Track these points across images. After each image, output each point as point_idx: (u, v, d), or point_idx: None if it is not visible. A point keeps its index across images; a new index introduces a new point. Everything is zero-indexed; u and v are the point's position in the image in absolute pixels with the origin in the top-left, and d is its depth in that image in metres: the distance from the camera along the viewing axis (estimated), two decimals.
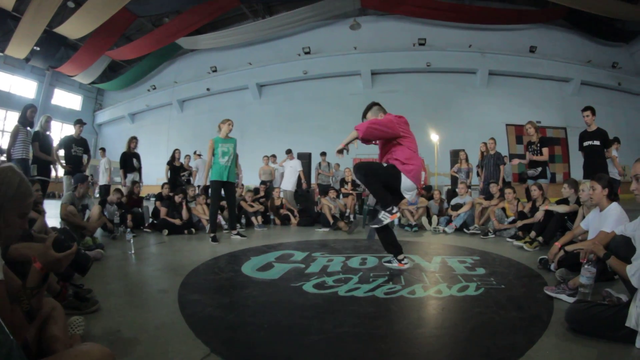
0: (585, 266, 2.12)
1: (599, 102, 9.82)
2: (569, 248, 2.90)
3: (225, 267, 3.35)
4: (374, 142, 3.19)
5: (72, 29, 13.49)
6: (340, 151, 3.03)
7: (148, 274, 3.18)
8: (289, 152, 8.62)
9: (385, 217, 2.92)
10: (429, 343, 1.81)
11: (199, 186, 7.81)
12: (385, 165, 3.04)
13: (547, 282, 2.77)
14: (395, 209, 2.95)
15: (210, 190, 5.15)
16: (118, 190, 5.63)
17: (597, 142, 4.79)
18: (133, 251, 3.90)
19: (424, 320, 2.18)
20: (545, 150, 5.48)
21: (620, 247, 1.99)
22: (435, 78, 14.69)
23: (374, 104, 3.26)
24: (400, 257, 3.12)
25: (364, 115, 3.25)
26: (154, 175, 13.31)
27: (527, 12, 14.15)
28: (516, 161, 5.91)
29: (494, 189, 5.78)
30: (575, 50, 14.90)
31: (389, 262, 3.21)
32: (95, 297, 2.18)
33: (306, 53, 15.07)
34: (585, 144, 4.90)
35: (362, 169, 2.99)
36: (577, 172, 13.08)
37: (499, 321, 2.05)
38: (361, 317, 2.12)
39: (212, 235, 4.84)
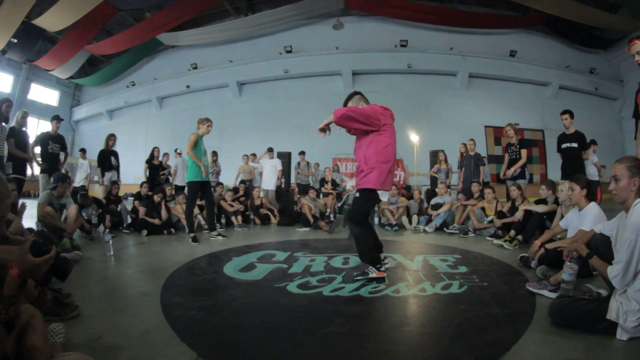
0: (568, 263, 2.18)
1: (576, 105, 10.22)
2: (549, 246, 2.97)
3: (207, 268, 3.28)
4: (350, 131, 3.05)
5: (52, 21, 13.00)
6: (322, 130, 2.93)
7: (128, 276, 3.09)
8: (270, 150, 8.50)
9: (371, 271, 2.82)
10: (416, 340, 1.83)
11: (177, 186, 7.65)
12: (359, 196, 2.92)
13: (528, 279, 2.84)
14: (383, 268, 2.89)
15: (187, 191, 5.00)
16: (84, 196, 5.44)
17: (574, 145, 4.92)
18: (112, 253, 3.76)
19: (410, 318, 2.19)
20: (524, 151, 5.60)
21: (600, 245, 2.09)
22: (416, 79, 14.93)
23: (356, 92, 3.16)
24: (378, 265, 2.87)
25: (345, 104, 3.14)
26: (131, 174, 12.99)
27: (508, 17, 14.56)
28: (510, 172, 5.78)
29: (475, 188, 5.88)
30: (555, 56, 15.46)
31: (363, 273, 2.88)
32: (74, 301, 2.11)
33: (288, 52, 15.01)
34: (564, 146, 5.02)
35: (357, 220, 2.90)
36: (553, 173, 13.65)
37: (484, 317, 2.09)
38: (347, 316, 2.12)
39: (192, 235, 4.73)
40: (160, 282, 2.73)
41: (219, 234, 5.11)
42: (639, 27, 13.58)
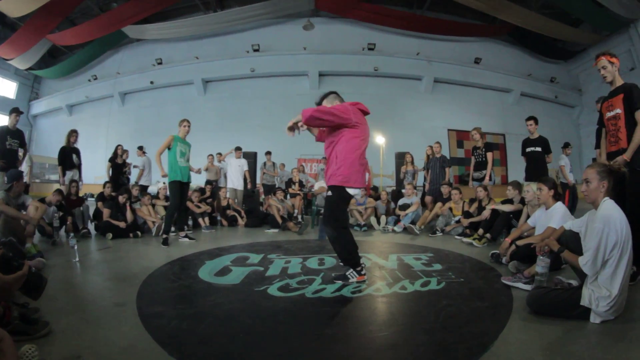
0: (541, 257, 2.37)
1: (536, 112, 10.83)
2: (520, 242, 3.13)
3: (181, 273, 3.14)
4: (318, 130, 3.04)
5: (13, 6, 11.98)
6: (291, 129, 2.89)
7: (99, 285, 2.85)
8: (238, 149, 8.31)
9: (352, 276, 2.78)
10: (410, 336, 1.87)
11: (142, 186, 7.29)
12: (331, 195, 2.86)
13: (501, 274, 3.02)
14: (364, 271, 2.85)
15: (169, 191, 4.84)
16: (59, 192, 5.05)
17: (538, 149, 5.19)
18: (78, 259, 3.52)
19: (398, 315, 2.23)
20: (489, 154, 5.89)
21: (570, 240, 2.30)
22: (382, 82, 15.20)
23: (332, 92, 3.12)
24: (358, 268, 2.83)
25: (319, 102, 3.12)
26: (91, 173, 12.20)
27: (475, 26, 15.21)
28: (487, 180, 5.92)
29: (445, 190, 6.07)
30: (517, 64, 16.35)
31: (343, 278, 2.81)
32: (43, 317, 1.91)
33: (255, 50, 14.78)
34: (528, 149, 5.28)
35: (331, 224, 2.82)
36: (514, 175, 14.45)
37: (467, 311, 2.21)
38: (336, 318, 2.12)
39: (164, 237, 4.53)
40: (133, 290, 2.56)
41: (187, 236, 4.96)
42: (599, 41, 14.88)
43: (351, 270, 2.82)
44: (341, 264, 3.18)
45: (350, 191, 2.84)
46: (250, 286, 2.71)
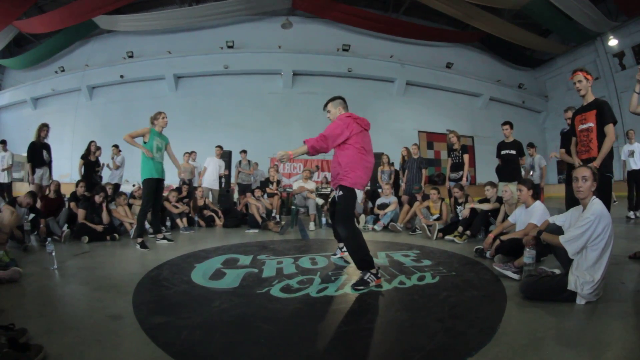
0: (527, 249, 2.64)
1: (504, 116, 11.30)
2: (504, 237, 3.39)
3: (173, 278, 2.98)
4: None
5: None
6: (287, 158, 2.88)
7: (86, 296, 2.59)
8: (219, 147, 8.16)
9: (371, 280, 2.71)
10: (423, 324, 2.01)
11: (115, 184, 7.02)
12: (342, 195, 2.93)
13: (487, 267, 3.24)
14: (379, 274, 2.83)
15: (143, 190, 4.57)
16: (32, 194, 4.69)
17: (513, 152, 5.50)
18: (56, 266, 3.25)
19: (407, 308, 2.32)
20: (466, 156, 6.16)
21: (553, 232, 2.57)
22: (355, 83, 15.39)
23: (338, 97, 3.26)
24: (374, 270, 2.79)
25: (325, 106, 3.25)
26: (56, 171, 11.51)
27: (447, 31, 15.76)
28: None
29: (434, 196, 6.05)
30: (487, 70, 17.18)
31: (363, 283, 2.71)
32: (33, 339, 1.68)
33: (229, 47, 14.52)
34: (503, 152, 5.57)
35: (346, 223, 2.88)
36: (482, 175, 15.12)
37: (467, 300, 2.41)
38: (349, 314, 2.19)
39: (140, 241, 4.28)
40: (127, 299, 2.38)
41: (165, 237, 4.79)
42: (566, 51, 15.92)
43: (369, 274, 2.74)
44: (339, 258, 3.28)
45: (358, 193, 2.98)
46: (250, 289, 2.67)
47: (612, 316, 2.05)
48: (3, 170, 6.73)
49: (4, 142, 6.68)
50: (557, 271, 2.67)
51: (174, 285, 2.80)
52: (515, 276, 2.81)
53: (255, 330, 1.93)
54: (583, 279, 2.19)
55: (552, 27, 14.61)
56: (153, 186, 4.52)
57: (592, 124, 3.25)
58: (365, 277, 2.72)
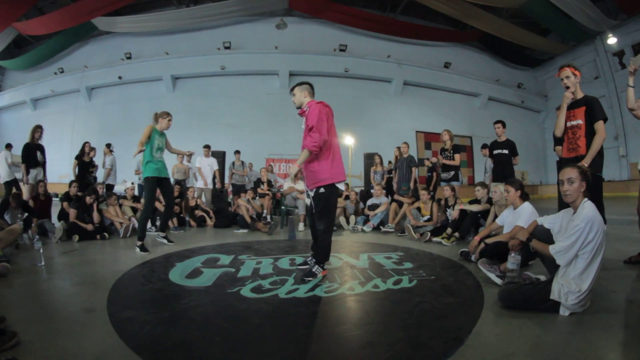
0: (512, 254, 2.48)
1: (503, 116, 11.20)
2: (489, 241, 3.26)
3: (151, 276, 3.06)
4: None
5: None
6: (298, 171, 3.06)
7: (66, 291, 2.74)
8: (207, 147, 8.12)
9: (318, 271, 2.99)
10: (385, 333, 1.91)
11: (108, 185, 7.03)
12: (325, 192, 3.05)
13: (470, 272, 3.12)
14: (325, 267, 3.10)
15: (145, 189, 4.40)
16: (17, 195, 4.79)
17: (505, 151, 5.37)
18: (43, 263, 3.37)
19: (373, 313, 2.26)
20: (457, 156, 6.07)
21: (541, 235, 2.40)
22: (352, 84, 15.43)
23: (306, 83, 3.28)
24: (322, 264, 3.06)
25: (291, 90, 3.28)
26: (55, 171, 11.66)
27: (445, 31, 15.74)
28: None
29: (424, 197, 5.98)
30: (486, 70, 17.13)
31: (311, 274, 2.98)
32: (10, 327, 1.80)
33: (226, 48, 14.66)
34: (495, 152, 5.46)
35: (328, 222, 3.08)
36: (480, 176, 14.94)
37: (440, 307, 2.27)
38: (311, 317, 2.13)
39: (139, 244, 4.10)
40: (103, 294, 2.48)
41: (166, 237, 4.71)
42: (566, 51, 15.81)
43: (317, 266, 3.00)
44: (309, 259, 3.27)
45: (340, 186, 3.11)
46: (222, 288, 2.68)
47: (599, 330, 1.86)
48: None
49: (9, 146, 6.75)
50: (543, 277, 2.52)
51: (151, 282, 2.86)
52: (498, 281, 2.68)
53: (214, 328, 1.96)
54: (568, 288, 2.01)
55: (551, 26, 14.57)
56: (154, 186, 4.32)
57: (580, 121, 3.11)
58: (314, 269, 2.98)
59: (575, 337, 1.82)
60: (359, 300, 2.46)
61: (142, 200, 6.34)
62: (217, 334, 1.87)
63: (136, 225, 5.39)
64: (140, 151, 4.05)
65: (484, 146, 6.96)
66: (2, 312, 1.97)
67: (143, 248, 4.08)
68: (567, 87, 3.18)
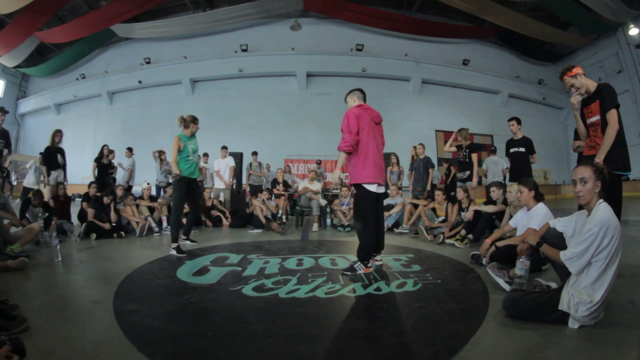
0: (521, 259, 2.31)
1: (524, 113, 10.94)
2: (500, 244, 3.09)
3: (160, 272, 3.16)
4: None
5: (1, 3, 11.83)
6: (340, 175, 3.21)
7: (78, 284, 2.89)
8: (224, 148, 8.20)
9: (359, 268, 3.05)
10: (376, 338, 1.84)
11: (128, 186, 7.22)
12: (357, 192, 3.23)
13: (480, 276, 2.97)
14: (370, 263, 3.14)
15: (173, 190, 4.45)
16: (38, 193, 5.02)
17: (522, 149, 5.17)
18: (60, 258, 3.56)
19: (368, 316, 2.22)
20: (474, 156, 5.90)
21: (553, 238, 2.22)
22: (370, 83, 15.05)
23: (357, 89, 3.52)
24: (366, 262, 3.13)
25: (345, 98, 3.54)
26: (79, 173, 12.09)
27: (463, 27, 15.41)
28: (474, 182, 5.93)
29: (439, 197, 5.81)
30: (505, 66, 16.60)
31: (351, 269, 3.06)
32: (22, 313, 1.98)
33: (243, 50, 14.83)
34: (512, 150, 5.26)
35: (360, 222, 3.18)
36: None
37: (440, 313, 2.16)
38: (305, 318, 2.11)
39: (174, 246, 4.01)
40: (111, 289, 2.60)
41: (188, 238, 4.68)
42: (587, 44, 15.18)
43: (359, 262, 3.08)
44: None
45: (369, 187, 3.16)
46: (225, 286, 2.72)
47: (609, 346, 1.67)
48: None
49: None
50: (554, 285, 2.32)
51: (158, 278, 2.97)
52: (507, 286, 2.52)
53: (208, 324, 2.02)
54: (578, 298, 1.82)
55: (571, 19, 14.05)
56: (184, 186, 4.30)
57: (598, 117, 2.82)
58: (355, 265, 3.06)
59: (580, 353, 1.66)
60: (358, 302, 2.42)
61: (159, 200, 6.54)
62: (210, 329, 1.93)
63: (152, 224, 5.60)
64: (177, 175, 4.14)
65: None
66: (17, 300, 2.17)
67: (179, 250, 3.98)
68: (578, 89, 2.92)
